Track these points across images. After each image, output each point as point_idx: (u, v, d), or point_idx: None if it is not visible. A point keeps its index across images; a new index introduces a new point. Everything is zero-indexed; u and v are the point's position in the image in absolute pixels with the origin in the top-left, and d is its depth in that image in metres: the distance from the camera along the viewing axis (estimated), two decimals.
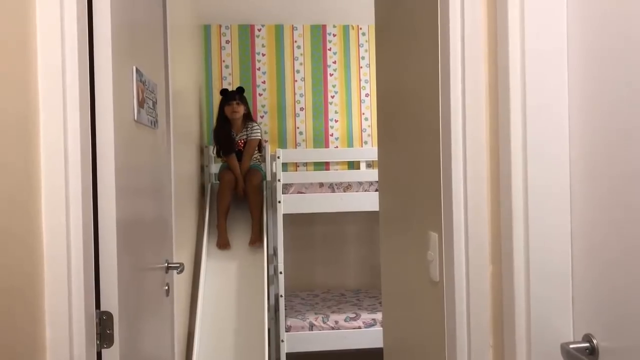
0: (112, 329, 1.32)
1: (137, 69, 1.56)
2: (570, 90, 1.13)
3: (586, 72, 1.09)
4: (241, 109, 4.21)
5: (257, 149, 4.31)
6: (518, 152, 1.14)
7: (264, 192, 4.26)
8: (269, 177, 4.38)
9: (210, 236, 4.08)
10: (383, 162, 1.99)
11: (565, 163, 1.13)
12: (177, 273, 2.12)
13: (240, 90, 4.27)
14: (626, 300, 0.98)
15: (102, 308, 1.33)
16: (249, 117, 4.31)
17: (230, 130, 4.22)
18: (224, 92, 4.30)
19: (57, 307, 1.17)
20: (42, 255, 1.16)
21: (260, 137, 4.30)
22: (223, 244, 4.06)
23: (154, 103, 1.80)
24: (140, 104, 1.60)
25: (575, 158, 1.12)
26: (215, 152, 4.35)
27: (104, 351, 1.32)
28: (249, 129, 4.23)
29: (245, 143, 4.23)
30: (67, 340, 1.17)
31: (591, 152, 1.08)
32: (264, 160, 4.44)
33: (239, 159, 4.21)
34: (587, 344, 1.06)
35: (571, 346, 1.07)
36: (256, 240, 4.08)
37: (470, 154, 1.23)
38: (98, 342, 1.30)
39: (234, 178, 4.16)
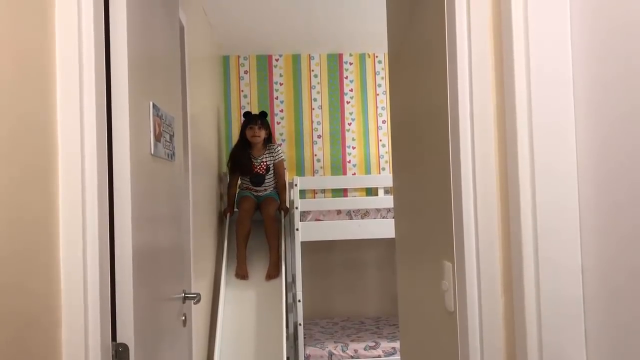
0: None
1: (153, 104, 1.60)
2: (576, 112, 1.12)
3: (592, 91, 1.09)
4: (262, 134, 4.23)
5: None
6: (526, 182, 1.14)
7: (282, 221, 4.27)
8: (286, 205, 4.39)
9: (229, 265, 4.08)
10: (398, 190, 2.00)
11: (574, 192, 1.13)
12: (194, 303, 2.13)
13: (263, 114, 4.30)
14: None
15: (118, 340, 1.34)
16: (269, 140, 4.33)
17: (250, 152, 4.25)
18: (247, 114, 4.34)
19: (73, 339, 1.19)
20: (59, 287, 1.18)
21: (283, 158, 4.36)
22: (242, 274, 4.04)
23: (171, 136, 1.84)
24: (157, 138, 1.63)
25: (584, 189, 1.12)
26: (228, 167, 4.36)
27: None
28: (271, 150, 4.27)
29: (267, 168, 4.24)
30: None
31: (600, 178, 1.07)
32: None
33: (256, 183, 4.23)
34: None
35: None
36: (273, 275, 4.03)
37: (480, 184, 1.23)
38: None
39: (253, 206, 4.19)
